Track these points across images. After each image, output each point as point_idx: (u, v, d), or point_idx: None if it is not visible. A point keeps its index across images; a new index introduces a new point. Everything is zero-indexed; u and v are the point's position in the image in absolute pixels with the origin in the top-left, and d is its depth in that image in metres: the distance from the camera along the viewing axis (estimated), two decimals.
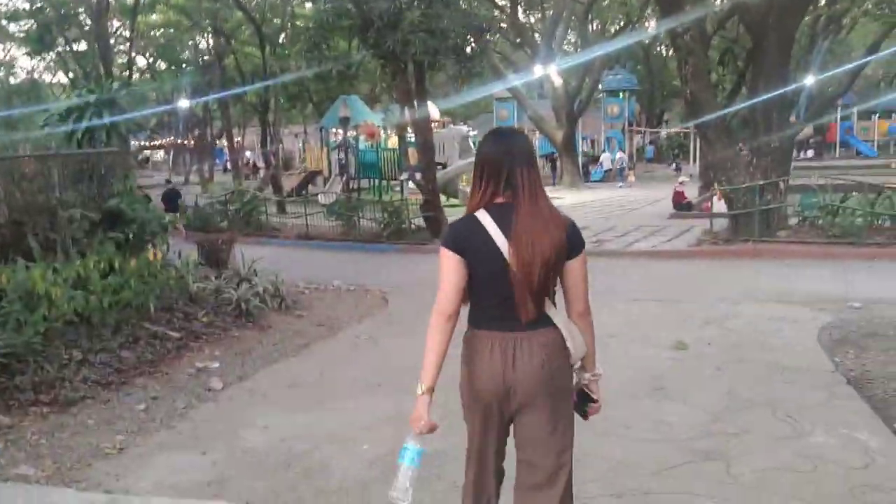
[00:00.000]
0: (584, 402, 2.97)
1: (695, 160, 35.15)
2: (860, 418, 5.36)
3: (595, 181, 33.92)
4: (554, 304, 2.76)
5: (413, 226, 16.55)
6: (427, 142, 15.77)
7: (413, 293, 11.19)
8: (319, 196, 24.63)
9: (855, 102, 41.42)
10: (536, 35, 33.61)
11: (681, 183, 19.72)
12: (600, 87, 36.93)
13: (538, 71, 30.47)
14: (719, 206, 18.60)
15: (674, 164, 39.62)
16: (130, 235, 9.13)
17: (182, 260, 9.53)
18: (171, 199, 15.47)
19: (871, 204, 12.64)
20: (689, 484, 4.37)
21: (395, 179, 26.76)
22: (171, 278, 8.68)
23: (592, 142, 39.41)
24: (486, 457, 2.88)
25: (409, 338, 8.04)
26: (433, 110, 28.07)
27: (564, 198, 26.99)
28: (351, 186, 29.27)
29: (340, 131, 30.97)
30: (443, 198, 26.17)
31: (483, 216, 2.66)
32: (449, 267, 2.70)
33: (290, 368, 7.24)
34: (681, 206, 19.20)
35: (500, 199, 2.68)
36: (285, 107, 46.88)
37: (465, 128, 27.45)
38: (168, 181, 23.22)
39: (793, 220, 13.61)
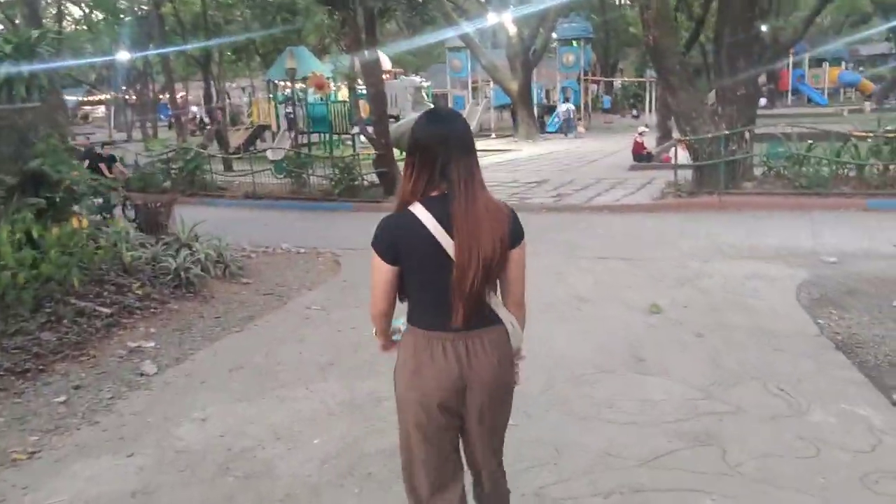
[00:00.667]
0: None
1: (652, 110, 34.87)
2: (857, 390, 4.94)
3: (551, 132, 33.34)
4: (496, 295, 2.62)
5: (366, 182, 15.82)
6: (378, 93, 14.95)
7: (367, 255, 10.51)
8: (268, 152, 23.57)
9: (806, 50, 41.44)
10: None
11: (640, 134, 19.23)
12: (555, 35, 36.17)
13: (492, 18, 29.57)
14: (682, 156, 18.31)
15: (634, 112, 39.37)
16: (57, 200, 8.29)
17: (113, 227, 8.73)
18: (92, 159, 14.18)
19: (836, 153, 12.28)
20: (683, 477, 3.88)
21: (347, 133, 25.84)
22: (100, 248, 7.89)
23: (547, 92, 38.64)
24: (438, 465, 2.72)
25: (363, 308, 7.52)
26: (384, 61, 27.07)
27: (521, 150, 26.46)
28: (300, 141, 28.35)
29: (289, 84, 29.97)
30: (396, 152, 25.55)
31: (420, 211, 2.45)
32: (379, 272, 2.58)
33: (232, 347, 6.57)
34: (640, 157, 18.76)
35: (435, 192, 2.47)
36: (230, 59, 45.19)
37: (417, 78, 26.53)
38: (90, 141, 21.87)
39: (757, 171, 13.21)
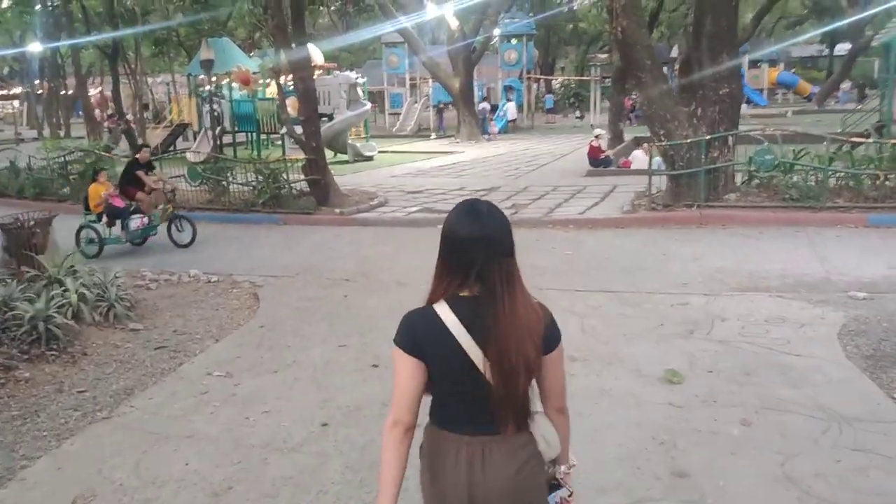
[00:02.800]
0: (551, 492, 2.35)
1: (598, 110, 33.65)
2: None
3: (493, 133, 31.76)
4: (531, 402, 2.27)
5: (294, 191, 13.85)
6: (308, 89, 13.01)
7: (294, 287, 8.68)
8: (187, 154, 21.33)
9: (747, 51, 40.92)
10: None
11: (597, 137, 17.71)
12: (496, 31, 34.67)
13: (432, 11, 27.82)
14: (644, 161, 16.84)
15: (577, 113, 38.03)
16: None
17: None
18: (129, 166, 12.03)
19: (828, 160, 10.90)
20: None
21: (276, 133, 23.73)
22: None
23: (489, 90, 37.10)
24: None
25: (283, 372, 5.95)
26: (316, 55, 25.00)
27: (464, 152, 24.78)
28: (223, 141, 26.07)
29: (214, 79, 27.69)
30: (330, 154, 23.62)
31: (445, 312, 2.16)
32: (405, 372, 2.19)
33: (88, 452, 4.60)
34: (598, 161, 17.23)
35: (465, 292, 2.17)
36: (151, 52, 42.33)
37: (352, 74, 24.44)
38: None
39: (738, 180, 11.74)
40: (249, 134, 25.38)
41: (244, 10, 29.95)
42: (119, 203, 11.11)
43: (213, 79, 20.04)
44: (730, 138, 11.07)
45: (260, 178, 13.70)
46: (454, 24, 27.59)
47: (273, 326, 7.15)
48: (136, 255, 11.07)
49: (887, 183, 10.54)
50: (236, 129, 24.94)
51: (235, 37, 33.58)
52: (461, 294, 2.18)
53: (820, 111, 37.18)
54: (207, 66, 15.93)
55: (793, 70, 49.13)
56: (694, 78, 11.01)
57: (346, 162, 22.36)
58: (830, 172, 10.75)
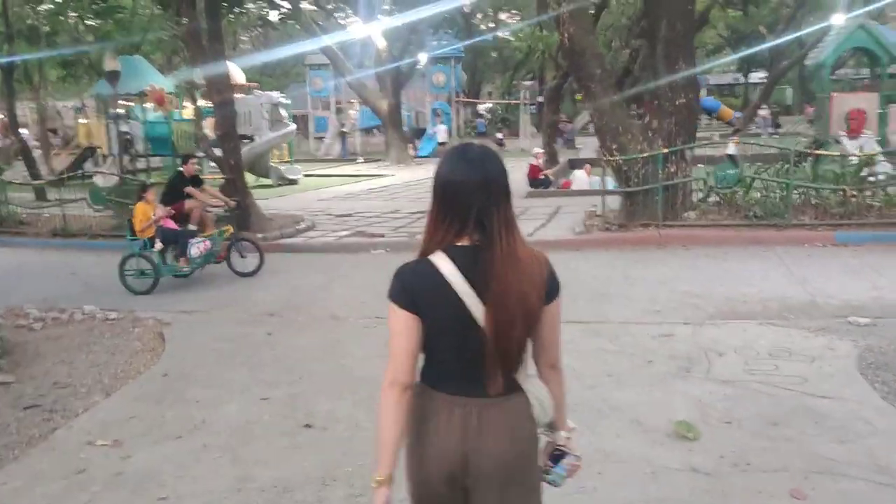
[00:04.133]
0: (557, 462, 2.25)
1: (528, 134, 33.13)
2: None
3: (424, 156, 30.82)
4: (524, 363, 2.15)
5: (211, 214, 12.47)
6: (225, 101, 11.70)
7: (208, 324, 7.39)
8: (96, 178, 19.60)
9: None
10: None
11: (535, 156, 16.90)
12: (423, 55, 33.94)
13: (359, 31, 26.79)
14: (586, 182, 16.10)
15: (499, 136, 37.30)
16: None
17: None
18: (174, 182, 10.48)
19: (781, 172, 10.24)
20: None
21: (194, 156, 22.13)
22: None
23: (417, 114, 36.17)
24: None
25: (191, 441, 4.54)
26: (237, 73, 23.65)
27: (394, 175, 23.68)
28: (135, 166, 24.30)
29: (127, 100, 25.92)
30: (251, 178, 22.20)
31: (442, 262, 2.02)
32: (400, 326, 2.06)
33: None
34: (537, 182, 16.40)
35: (463, 241, 2.04)
36: (59, 75, 40.01)
37: (275, 94, 23.11)
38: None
39: (694, 197, 10.99)
40: (165, 157, 23.75)
41: (159, 32, 28.43)
42: (172, 224, 9.36)
43: (120, 94, 18.44)
44: (687, 153, 10.30)
45: None
46: (381, 43, 26.58)
47: (180, 374, 5.84)
48: (21, 288, 9.50)
49: (853, 199, 9.90)
50: (150, 152, 23.31)
51: (152, 61, 31.76)
52: (458, 244, 2.05)
53: (744, 135, 37.60)
54: (113, 79, 14.43)
55: (712, 97, 50.01)
56: (648, 87, 10.21)
57: (269, 186, 20.97)
58: (797, 189, 10.06)
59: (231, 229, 9.70)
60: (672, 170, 10.24)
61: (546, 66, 24.99)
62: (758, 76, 49.05)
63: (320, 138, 35.26)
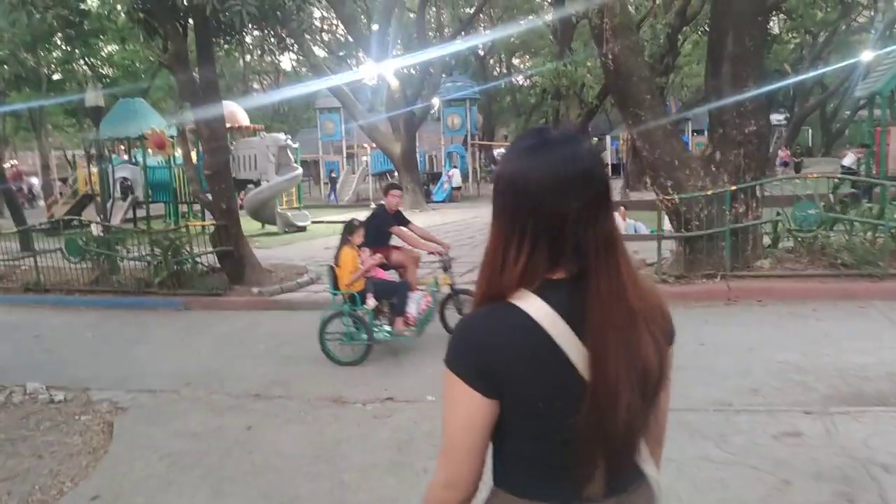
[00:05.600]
0: None
1: None
2: None
3: (439, 201, 29.39)
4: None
5: (202, 266, 10.95)
6: (216, 134, 10.15)
7: (174, 410, 5.76)
8: (92, 226, 18.18)
9: (689, 117, 39.92)
10: (367, 30, 28.65)
11: None
12: (437, 97, 32.80)
13: (371, 72, 25.56)
14: (620, 226, 14.47)
15: None
16: None
17: None
18: (379, 219, 7.94)
19: (879, 215, 8.60)
20: None
21: (196, 202, 20.76)
22: None
23: (430, 158, 34.82)
24: None
25: None
26: (240, 114, 22.41)
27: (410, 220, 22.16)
28: (136, 213, 22.95)
29: (129, 146, 24.77)
30: (257, 225, 20.78)
31: (537, 308, 1.32)
32: (466, 412, 1.36)
33: None
34: None
35: (558, 274, 1.35)
36: (63, 124, 39.27)
37: (281, 136, 21.75)
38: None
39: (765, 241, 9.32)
40: (167, 204, 22.45)
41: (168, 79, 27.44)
42: (384, 274, 7.43)
43: (119, 138, 17.11)
44: (758, 190, 8.67)
45: (157, 251, 10.76)
46: (395, 83, 25.31)
47: (114, 497, 4.20)
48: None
49: None
50: (151, 198, 22.00)
51: (163, 109, 30.79)
52: (551, 278, 1.35)
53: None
54: (95, 115, 13.02)
55: None
56: (711, 113, 8.63)
57: (276, 233, 19.48)
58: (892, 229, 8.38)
59: (448, 279, 7.50)
60: (740, 210, 8.60)
61: (569, 103, 23.53)
62: (775, 118, 47.70)
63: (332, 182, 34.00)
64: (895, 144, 15.70)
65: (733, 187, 8.46)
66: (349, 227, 7.16)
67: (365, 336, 6.88)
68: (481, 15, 37.43)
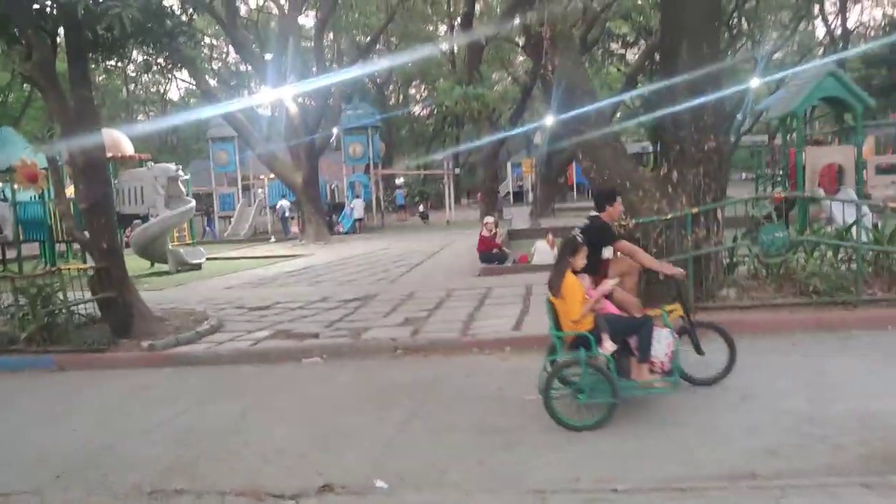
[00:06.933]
0: None
1: (450, 206, 30.91)
2: None
3: (344, 233, 28.04)
4: None
5: (78, 316, 9.30)
6: (93, 164, 8.57)
7: None
8: None
9: None
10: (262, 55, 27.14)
11: (485, 225, 14.35)
12: (337, 126, 31.56)
13: (268, 98, 24.11)
14: (549, 254, 13.59)
15: (421, 209, 34.63)
16: None
17: None
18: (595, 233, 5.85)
19: (840, 236, 7.95)
20: None
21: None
22: None
23: (332, 189, 33.33)
24: None
25: None
26: (124, 144, 20.48)
27: (314, 254, 20.73)
28: (5, 255, 20.57)
29: None
30: (146, 264, 18.83)
31: None
32: None
33: None
34: (490, 256, 13.81)
35: None
36: None
37: (171, 166, 19.96)
38: None
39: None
40: (42, 243, 20.15)
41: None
42: (613, 308, 5.70)
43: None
44: (719, 212, 7.86)
45: (22, 300, 9.04)
46: (294, 111, 23.89)
47: None
48: None
49: None
50: (22, 238, 19.69)
51: (39, 139, 28.14)
52: None
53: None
54: None
55: None
56: (666, 128, 7.79)
57: (167, 273, 17.65)
58: (865, 253, 7.73)
59: (679, 309, 5.83)
60: (701, 235, 7.77)
61: (480, 128, 22.73)
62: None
63: (227, 217, 32.02)
64: (811, 165, 15.56)
65: (694, 210, 7.62)
66: (571, 246, 5.53)
67: (609, 391, 5.18)
68: (379, 45, 36.59)
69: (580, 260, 5.48)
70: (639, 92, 22.23)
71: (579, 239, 5.58)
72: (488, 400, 6.09)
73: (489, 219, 14.87)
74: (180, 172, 19.79)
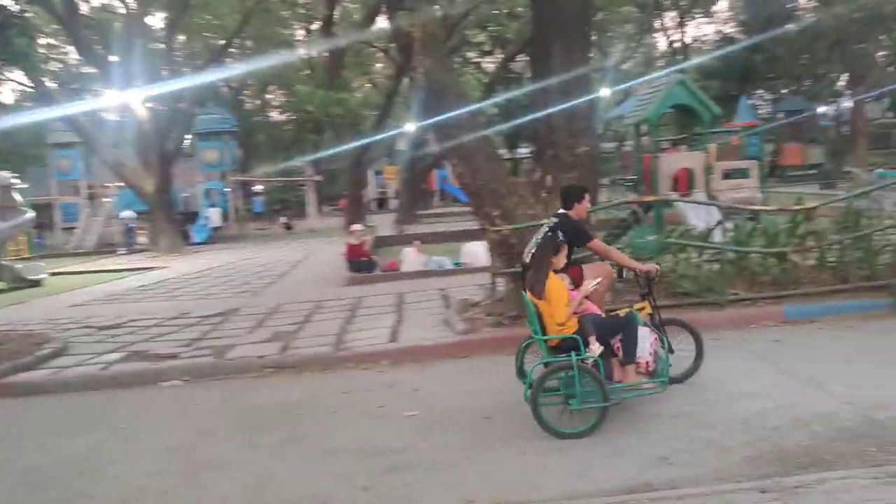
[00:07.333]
0: None
1: (316, 213, 30.24)
2: None
3: (200, 243, 26.73)
4: None
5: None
6: None
7: None
8: None
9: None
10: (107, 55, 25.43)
11: (353, 233, 13.97)
12: (190, 132, 30.13)
13: (114, 101, 22.62)
14: (417, 262, 13.41)
15: (284, 219, 33.62)
16: None
17: None
18: None
19: (703, 237, 8.21)
20: None
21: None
22: None
23: (186, 197, 31.73)
24: None
25: None
26: None
27: (169, 266, 19.59)
28: None
29: None
30: None
31: None
32: None
33: None
34: (360, 264, 13.46)
35: None
36: None
37: (5, 174, 18.25)
38: None
39: None
40: None
41: None
42: (594, 308, 5.44)
43: None
44: (592, 216, 7.90)
45: None
46: (142, 113, 22.53)
47: None
48: None
49: (806, 262, 8.05)
50: None
51: None
52: None
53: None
54: None
55: None
56: (539, 132, 7.75)
57: (2, 290, 16.10)
58: (732, 255, 8.00)
59: (649, 306, 5.69)
60: None
61: (342, 133, 22.26)
62: (522, 152, 49.97)
63: (70, 229, 29.81)
64: (664, 171, 16.22)
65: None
66: (553, 245, 5.39)
67: (600, 395, 4.97)
68: (234, 48, 35.29)
69: (561, 259, 5.37)
70: (510, 97, 22.47)
71: (560, 237, 5.43)
72: (369, 418, 5.77)
73: (357, 226, 14.51)
74: (13, 181, 18.09)
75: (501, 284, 8.21)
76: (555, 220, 5.76)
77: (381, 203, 42.01)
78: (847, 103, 35.16)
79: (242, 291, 13.40)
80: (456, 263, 13.04)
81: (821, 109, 36.17)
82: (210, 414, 6.32)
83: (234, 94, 42.06)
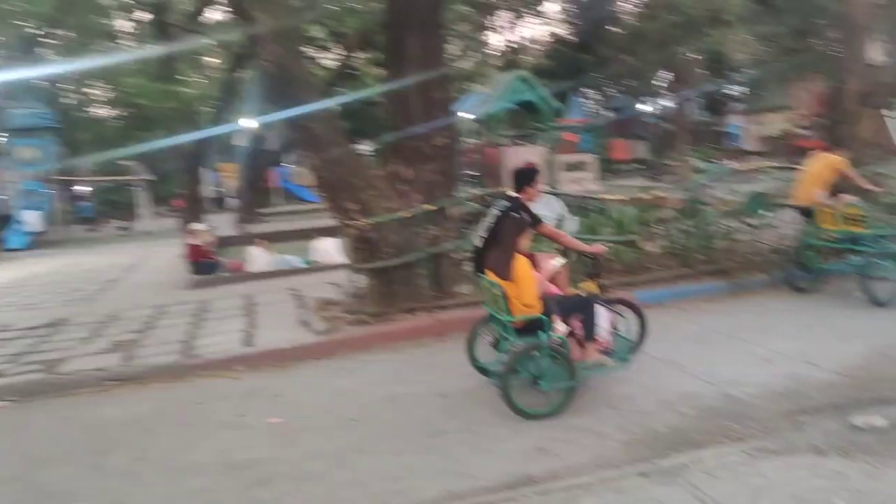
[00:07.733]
0: None
1: (147, 215, 28.54)
2: None
3: (15, 248, 24.49)
4: None
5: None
6: None
7: None
8: None
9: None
10: None
11: (192, 232, 13.18)
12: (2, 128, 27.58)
13: None
14: (265, 261, 12.86)
15: (122, 224, 31.33)
16: None
17: None
18: None
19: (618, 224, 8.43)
20: None
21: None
22: None
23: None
24: None
25: None
26: None
27: None
28: None
29: None
30: None
31: None
32: None
33: None
34: (204, 266, 12.72)
35: None
36: None
37: None
38: None
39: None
40: None
41: None
42: (554, 288, 5.45)
43: None
44: (445, 209, 7.82)
45: None
46: None
47: None
48: None
49: (642, 250, 8.35)
50: None
51: None
52: None
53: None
54: None
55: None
56: (397, 125, 7.57)
57: None
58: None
59: (594, 286, 5.55)
60: (435, 233, 7.66)
61: (176, 128, 21.01)
62: (364, 147, 49.75)
63: None
64: (508, 164, 16.57)
65: (432, 207, 7.49)
66: (517, 226, 5.25)
67: (566, 375, 5.03)
68: (53, 39, 32.65)
69: (526, 240, 5.27)
70: (352, 93, 22.04)
71: (526, 218, 5.26)
72: (229, 429, 5.37)
73: (198, 225, 13.72)
74: None
75: (361, 281, 7.96)
76: (506, 203, 5.54)
77: (220, 202, 40.34)
78: (668, 102, 37.55)
79: (73, 300, 12.28)
80: (306, 261, 12.63)
81: (645, 108, 38.45)
82: (46, 437, 5.65)
83: (53, 87, 38.95)
